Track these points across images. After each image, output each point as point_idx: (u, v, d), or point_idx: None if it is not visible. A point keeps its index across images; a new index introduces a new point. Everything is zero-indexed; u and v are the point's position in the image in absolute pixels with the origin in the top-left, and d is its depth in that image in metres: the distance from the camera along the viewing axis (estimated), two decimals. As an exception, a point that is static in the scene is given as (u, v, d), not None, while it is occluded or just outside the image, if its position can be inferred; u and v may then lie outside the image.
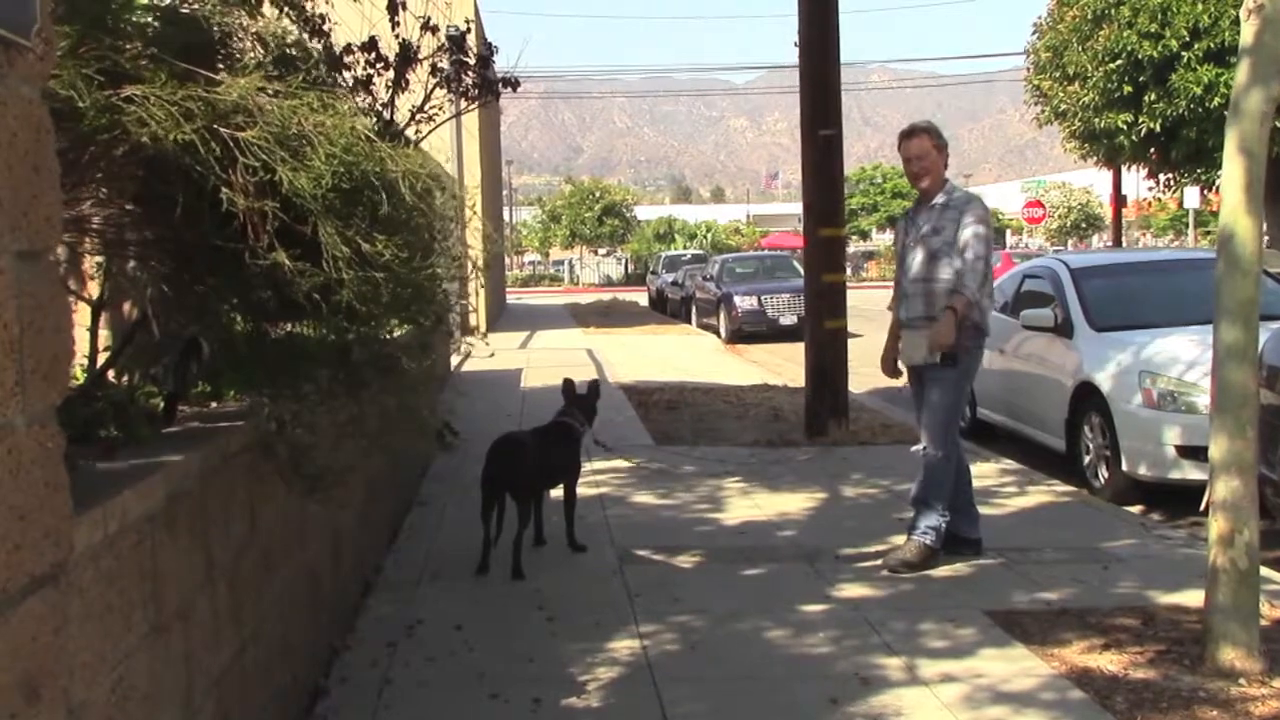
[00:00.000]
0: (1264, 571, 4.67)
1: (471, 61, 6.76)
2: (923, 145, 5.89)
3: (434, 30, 6.30)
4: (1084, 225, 60.51)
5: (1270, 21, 4.08)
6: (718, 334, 23.54)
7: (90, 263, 3.59)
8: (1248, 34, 4.14)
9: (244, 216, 2.50)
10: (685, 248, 55.34)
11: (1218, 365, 4.27)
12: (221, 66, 2.71)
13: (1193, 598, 4.94)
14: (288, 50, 2.71)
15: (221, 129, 2.38)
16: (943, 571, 5.63)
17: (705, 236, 65.94)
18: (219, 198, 2.49)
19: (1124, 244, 35.62)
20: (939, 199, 5.85)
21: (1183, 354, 7.53)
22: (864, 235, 72.66)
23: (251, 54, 2.68)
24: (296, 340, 3.12)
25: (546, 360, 16.84)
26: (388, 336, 3.22)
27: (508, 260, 57.70)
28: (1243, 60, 4.20)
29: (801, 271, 23.54)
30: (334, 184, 2.47)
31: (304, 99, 2.49)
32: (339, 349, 3.00)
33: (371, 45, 5.72)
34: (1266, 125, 4.18)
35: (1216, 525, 4.24)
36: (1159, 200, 31.71)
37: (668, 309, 33.03)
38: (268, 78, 2.52)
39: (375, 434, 3.32)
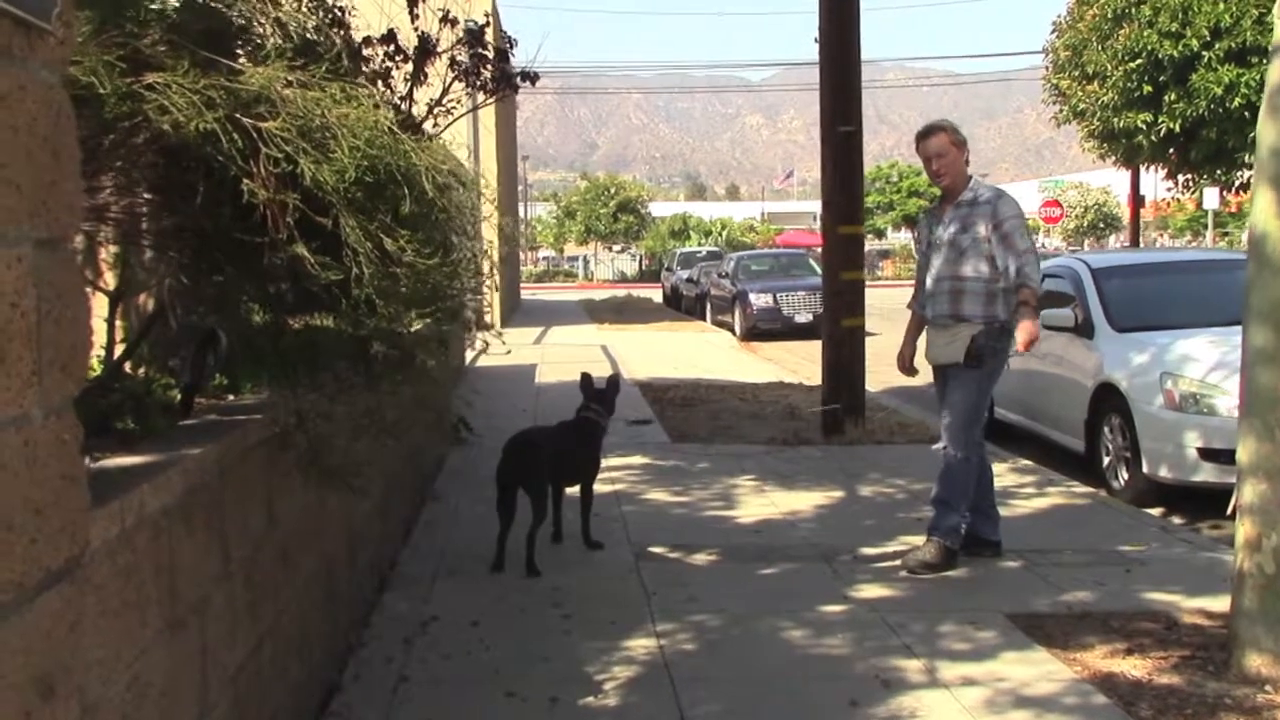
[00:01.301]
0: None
1: (490, 55, 6.74)
2: (941, 143, 5.83)
3: (453, 23, 6.27)
4: (1101, 226, 60.22)
5: (1304, 18, 4.01)
6: (733, 331, 23.50)
7: (106, 253, 3.57)
8: (1281, 31, 4.07)
9: (264, 208, 2.46)
10: (700, 245, 55.33)
11: (1247, 368, 4.20)
12: (241, 54, 2.67)
13: (1216, 602, 4.88)
14: (310, 39, 2.67)
15: (244, 118, 2.34)
16: (962, 573, 5.58)
17: (720, 234, 65.91)
18: (240, 189, 2.46)
19: (1141, 244, 35.43)
20: (966, 195, 5.78)
21: (1205, 356, 7.45)
22: (879, 234, 72.43)
23: (273, 41, 2.64)
24: (315, 333, 3.09)
25: (561, 356, 16.82)
26: (405, 331, 3.19)
27: (522, 256, 57.71)
28: (1275, 58, 4.13)
29: (817, 269, 23.53)
30: (357, 177, 2.43)
31: (328, 90, 2.45)
32: (358, 342, 2.96)
33: (390, 38, 5.69)
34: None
35: (1244, 529, 4.18)
36: (1177, 201, 31.50)
37: (682, 306, 33.01)
38: (290, 67, 2.48)
39: (393, 426, 3.28)
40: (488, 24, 6.76)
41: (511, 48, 7.30)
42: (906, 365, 6.15)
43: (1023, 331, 5.59)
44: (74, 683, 1.91)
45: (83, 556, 1.93)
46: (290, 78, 2.42)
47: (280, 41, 2.70)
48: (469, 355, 14.11)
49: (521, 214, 54.97)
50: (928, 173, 5.99)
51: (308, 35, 2.67)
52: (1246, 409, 4.20)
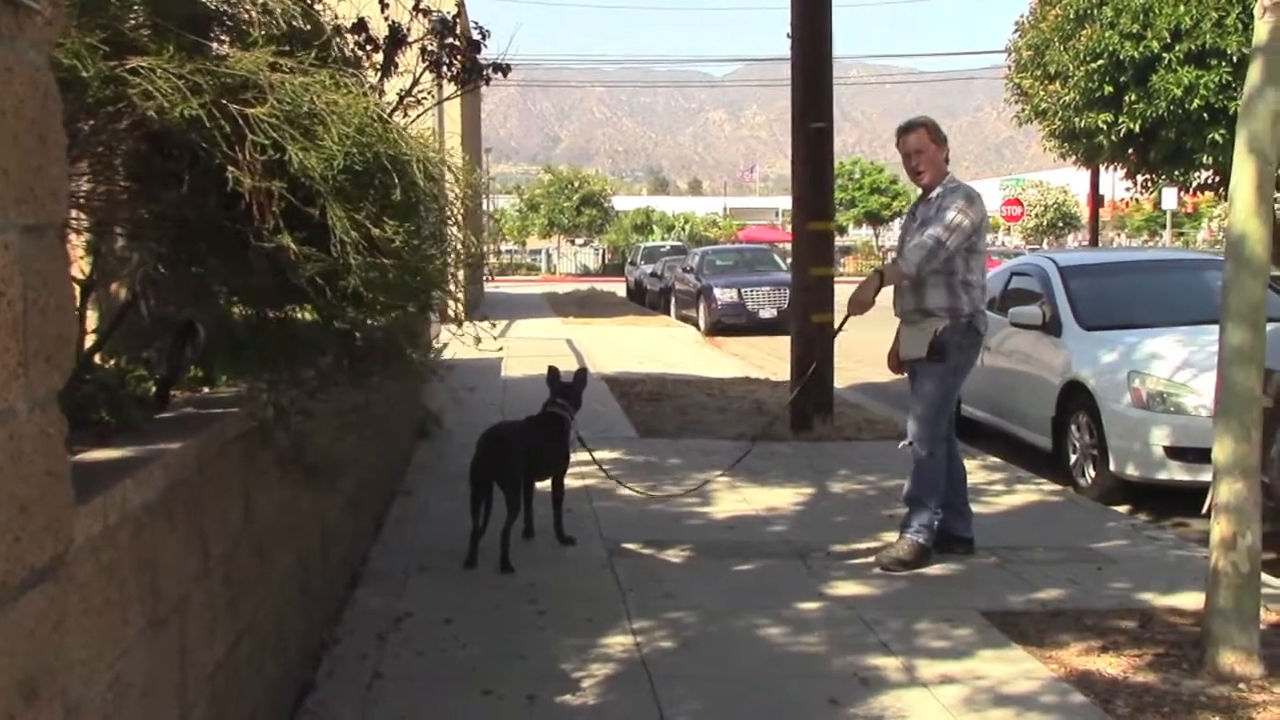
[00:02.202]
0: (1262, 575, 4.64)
1: (462, 45, 6.67)
2: (920, 140, 5.85)
3: (425, 13, 6.20)
4: (1060, 224, 60.81)
5: (1285, 20, 4.03)
6: (697, 326, 23.47)
7: (78, 241, 3.48)
8: (1262, 32, 4.08)
9: (250, 197, 2.40)
10: (663, 239, 55.31)
11: (1223, 367, 4.22)
12: (226, 39, 2.61)
13: (1188, 599, 4.92)
14: (296, 23, 2.61)
15: (230, 104, 2.28)
16: (936, 570, 5.58)
17: (683, 228, 65.98)
18: (224, 176, 2.39)
19: (1099, 244, 35.78)
20: (935, 192, 5.81)
21: (1172, 354, 7.52)
22: (841, 230, 72.65)
23: (260, 29, 2.57)
24: (297, 325, 3.02)
25: (526, 350, 16.70)
26: (392, 322, 3.13)
27: (485, 247, 57.38)
28: (1255, 59, 4.14)
29: (782, 265, 23.51)
30: (345, 165, 2.37)
31: (316, 76, 2.39)
32: (341, 335, 2.90)
33: (361, 27, 5.62)
34: (1279, 125, 4.13)
35: (1219, 528, 4.20)
36: (1136, 201, 31.85)
37: (646, 300, 32.95)
38: (278, 53, 2.42)
39: (377, 421, 3.22)
40: (458, 14, 6.72)
41: (484, 39, 7.24)
42: (895, 363, 6.14)
43: (856, 289, 5.68)
44: (57, 684, 1.85)
45: (66, 554, 1.87)
46: (279, 63, 2.36)
47: (265, 28, 2.62)
48: (436, 345, 13.98)
49: (485, 206, 54.67)
50: (906, 168, 6.00)
51: (294, 19, 2.60)
52: (1223, 409, 4.22)
